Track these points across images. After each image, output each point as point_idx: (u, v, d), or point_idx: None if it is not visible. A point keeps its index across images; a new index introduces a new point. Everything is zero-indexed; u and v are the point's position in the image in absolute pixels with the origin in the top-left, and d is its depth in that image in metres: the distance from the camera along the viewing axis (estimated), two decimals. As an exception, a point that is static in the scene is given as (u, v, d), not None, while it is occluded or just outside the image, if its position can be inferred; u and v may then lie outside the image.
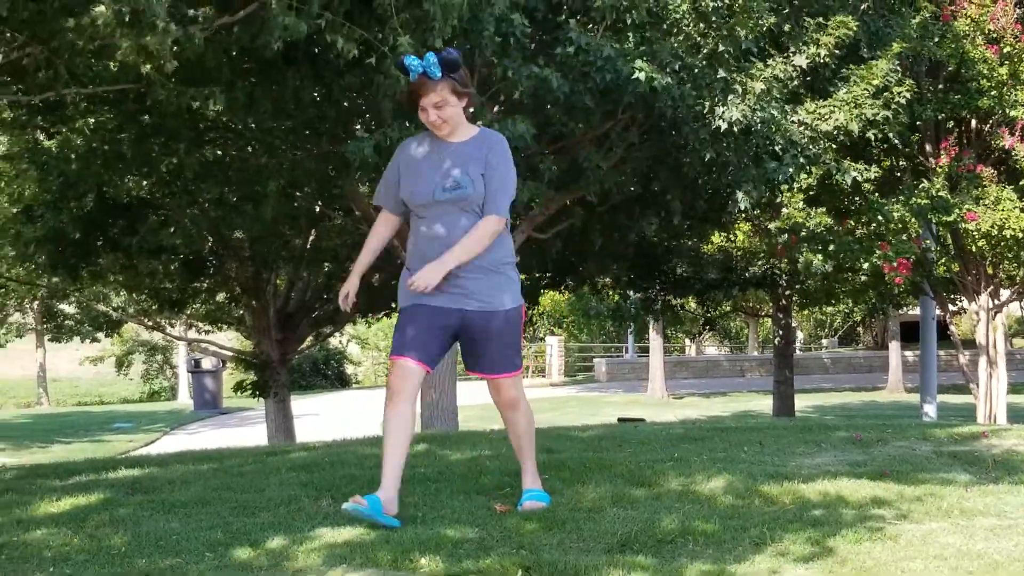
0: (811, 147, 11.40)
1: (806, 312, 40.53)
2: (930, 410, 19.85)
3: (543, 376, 44.78)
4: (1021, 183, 15.55)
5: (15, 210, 16.05)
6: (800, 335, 49.61)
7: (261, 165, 12.05)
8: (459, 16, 8.11)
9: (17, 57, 7.74)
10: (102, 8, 5.75)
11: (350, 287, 5.11)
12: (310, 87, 10.19)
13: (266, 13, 7.83)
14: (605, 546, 4.35)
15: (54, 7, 6.45)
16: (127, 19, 6.13)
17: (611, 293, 20.29)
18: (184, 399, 36.56)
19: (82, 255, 15.01)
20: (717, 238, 21.13)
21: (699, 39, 10.30)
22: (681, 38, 10.18)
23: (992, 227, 15.29)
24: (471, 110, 5.10)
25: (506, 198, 4.94)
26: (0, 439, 24.06)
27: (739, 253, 21.55)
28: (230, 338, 29.42)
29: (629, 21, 9.77)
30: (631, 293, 19.88)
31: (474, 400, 30.26)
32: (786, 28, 11.30)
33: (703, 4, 9.95)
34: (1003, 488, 5.51)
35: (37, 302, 34.71)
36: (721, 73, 10.25)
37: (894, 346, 36.01)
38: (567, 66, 9.67)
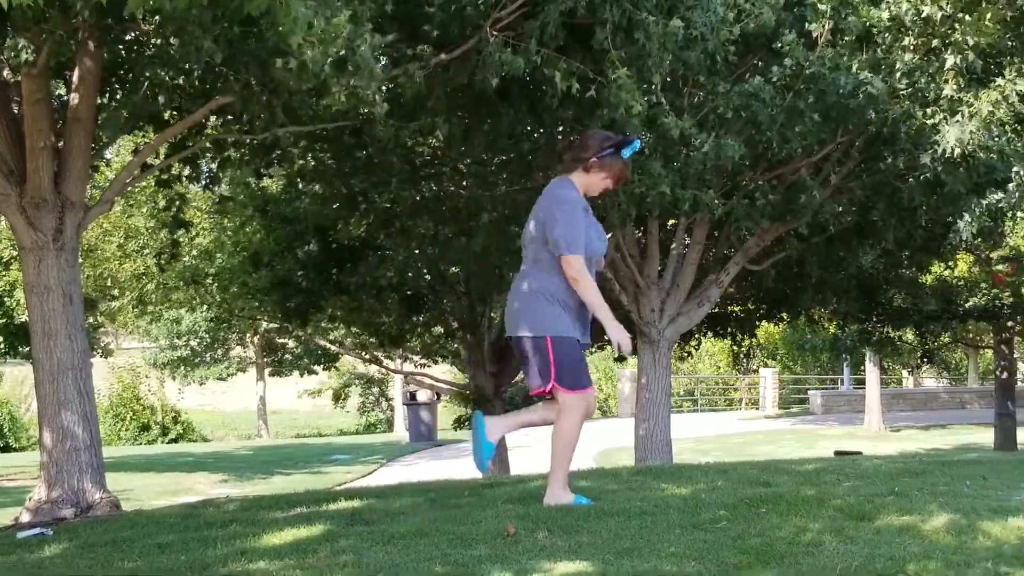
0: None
1: (1030, 343, 38.95)
2: None
3: (757, 408, 44.15)
4: None
5: (241, 253, 16.73)
6: (1023, 366, 47.59)
7: (475, 199, 12.25)
8: (673, 50, 8.13)
9: (238, 97, 8.04)
10: (310, 53, 5.93)
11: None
12: (524, 121, 10.33)
13: (483, 50, 8.00)
14: (825, 581, 4.27)
15: (268, 51, 6.69)
16: (334, 63, 6.31)
17: (826, 325, 19.88)
18: (400, 431, 37.21)
19: (310, 300, 15.52)
20: (937, 268, 20.51)
21: (918, 58, 9.98)
22: (905, 54, 9.87)
23: None
24: None
25: None
26: (223, 471, 24.87)
27: (960, 284, 20.86)
28: (444, 371, 29.90)
29: (848, 29, 9.55)
30: (848, 325, 19.45)
31: (687, 433, 30.11)
32: (1009, 54, 10.89)
33: (929, 12, 9.61)
34: None
35: (258, 336, 35.98)
36: (947, 90, 9.92)
37: None
38: (786, 87, 9.56)
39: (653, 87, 8.82)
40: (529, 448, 26.34)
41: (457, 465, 22.71)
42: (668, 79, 9.22)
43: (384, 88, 7.57)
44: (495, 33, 8.00)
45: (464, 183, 12.88)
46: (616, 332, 5.91)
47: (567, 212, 5.83)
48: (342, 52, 6.24)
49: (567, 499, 5.89)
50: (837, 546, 4.78)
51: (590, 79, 8.45)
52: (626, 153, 6.03)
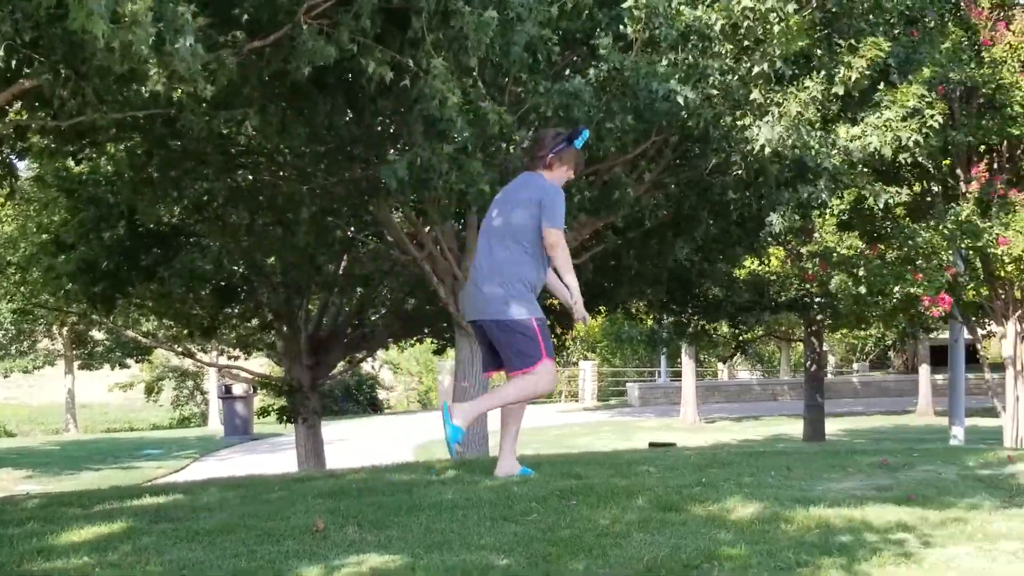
0: (844, 172, 11.33)
1: (838, 336, 40.33)
2: (958, 433, 19.73)
3: (576, 401, 44.71)
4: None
5: (43, 237, 16.11)
6: (832, 359, 49.38)
7: (293, 190, 12.06)
8: (490, 37, 8.11)
9: (46, 82, 7.74)
10: (132, 34, 5.72)
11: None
12: (342, 111, 10.20)
13: (296, 38, 7.86)
14: (630, 572, 4.33)
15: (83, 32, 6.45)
16: (154, 43, 6.11)
17: (644, 318, 20.23)
18: (215, 425, 36.57)
19: (116, 286, 15.02)
20: (751, 263, 21.05)
21: (732, 63, 10.22)
22: (716, 62, 10.09)
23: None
24: None
25: None
26: (28, 467, 24.12)
27: (773, 278, 21.46)
28: (262, 364, 29.46)
29: (661, 37, 9.71)
30: (664, 317, 19.80)
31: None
32: (818, 52, 11.23)
33: (739, 20, 9.85)
34: (1026, 511, 5.47)
35: (66, 328, 34.88)
36: (755, 95, 10.19)
37: (924, 370, 35.93)
38: (602, 87, 9.66)
39: (472, 78, 8.81)
40: (347, 442, 26.22)
41: (273, 459, 22.46)
42: (488, 74, 9.23)
43: (204, 71, 7.37)
44: (309, 20, 7.87)
45: (281, 174, 12.68)
46: (580, 302, 6.57)
47: (557, 194, 6.47)
48: (165, 34, 6.04)
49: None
50: (645, 537, 4.84)
51: (406, 68, 8.39)
52: (578, 143, 6.64)
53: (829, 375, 43.31)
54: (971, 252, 16.41)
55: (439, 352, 20.52)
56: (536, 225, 6.39)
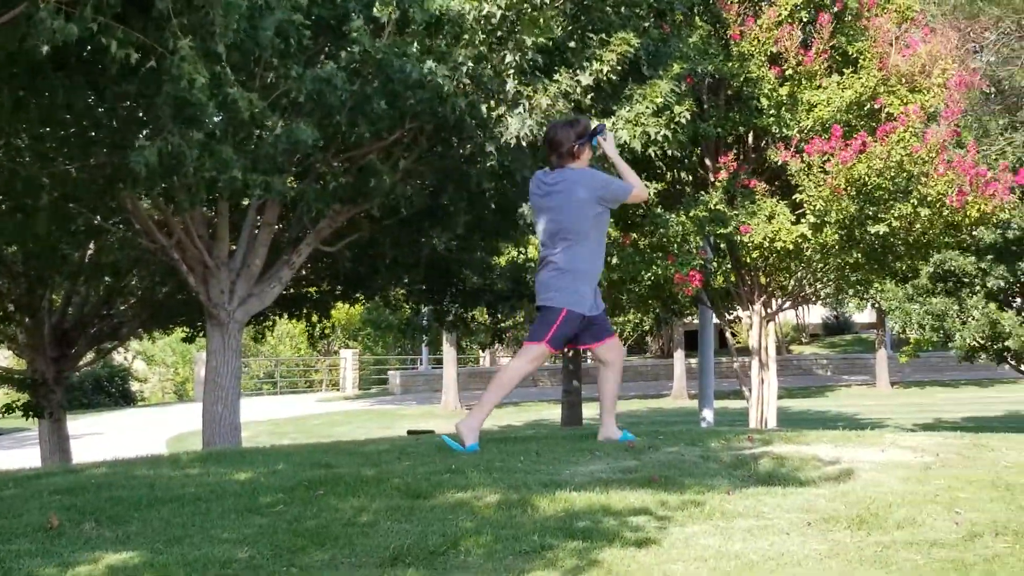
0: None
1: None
2: (708, 415, 20.47)
3: (337, 390, 44.47)
4: (793, 197, 16.12)
5: None
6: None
7: (31, 176, 11.55)
8: (239, 20, 7.94)
9: None
10: None
11: None
12: (83, 93, 9.81)
13: (34, 16, 7.52)
14: (377, 560, 4.30)
15: None
16: None
17: (404, 305, 20.23)
18: (-43, 421, 34.92)
19: None
20: (511, 252, 21.25)
21: (485, 50, 10.30)
22: (469, 48, 10.15)
23: (764, 239, 15.83)
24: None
25: None
26: None
27: (532, 266, 21.71)
28: (6, 356, 28.27)
29: (414, 23, 9.70)
30: (423, 305, 19.85)
31: (265, 416, 29.86)
32: (571, 44, 11.42)
33: (489, 11, 9.94)
34: (762, 490, 5.66)
35: None
36: (509, 85, 10.29)
37: (679, 354, 37.13)
38: (355, 72, 9.59)
39: (221, 64, 8.60)
40: (100, 436, 25.42)
41: (16, 455, 21.58)
42: (237, 59, 9.04)
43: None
44: (47, -2, 7.54)
45: (19, 159, 12.13)
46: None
47: (599, 175, 7.24)
48: None
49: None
50: (392, 525, 4.82)
51: (152, 50, 8.14)
52: (594, 142, 7.28)
53: (588, 360, 44.20)
54: (719, 240, 16.98)
55: (188, 341, 20.02)
56: (592, 216, 7.02)
